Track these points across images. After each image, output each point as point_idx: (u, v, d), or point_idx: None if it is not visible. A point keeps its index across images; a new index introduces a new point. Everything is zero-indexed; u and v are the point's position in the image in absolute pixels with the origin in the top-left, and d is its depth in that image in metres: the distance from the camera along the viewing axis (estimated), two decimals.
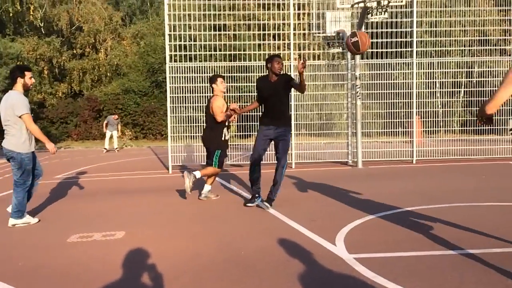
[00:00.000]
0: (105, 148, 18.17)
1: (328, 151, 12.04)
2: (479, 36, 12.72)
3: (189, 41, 11.42)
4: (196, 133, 11.61)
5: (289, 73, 6.38)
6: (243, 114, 11.69)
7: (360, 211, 5.78)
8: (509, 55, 12.39)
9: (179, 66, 11.16)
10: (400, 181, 8.55)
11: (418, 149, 11.76)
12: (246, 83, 11.75)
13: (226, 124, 6.76)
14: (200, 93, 11.37)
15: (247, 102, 11.68)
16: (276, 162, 6.16)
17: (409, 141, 12.02)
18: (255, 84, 6.42)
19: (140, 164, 12.75)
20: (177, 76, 11.14)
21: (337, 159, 12.01)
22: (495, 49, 12.34)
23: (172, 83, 11.08)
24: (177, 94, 11.12)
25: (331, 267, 3.72)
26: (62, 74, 30.04)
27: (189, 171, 6.53)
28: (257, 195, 6.27)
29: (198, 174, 6.55)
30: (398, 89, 11.78)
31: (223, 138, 6.70)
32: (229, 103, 7.42)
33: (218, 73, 6.91)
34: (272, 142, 6.18)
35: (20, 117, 5.41)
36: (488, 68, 12.19)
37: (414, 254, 4.02)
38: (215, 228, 5.20)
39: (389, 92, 11.80)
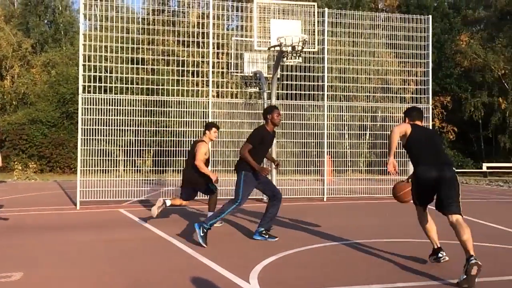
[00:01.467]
0: None
1: None
2: (382, 84, 13.90)
3: (104, 73, 11.13)
4: (109, 167, 11.13)
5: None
6: (160, 149, 11.54)
7: (274, 248, 5.86)
8: (408, 103, 13.61)
9: (93, 98, 10.79)
10: (312, 218, 8.84)
11: (329, 187, 12.31)
12: (163, 117, 11.63)
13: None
14: (114, 126, 11.03)
15: (164, 137, 11.55)
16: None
17: (320, 179, 12.54)
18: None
19: (45, 199, 11.89)
20: (90, 108, 10.73)
21: (252, 196, 12.10)
22: (396, 96, 13.52)
23: (84, 115, 10.64)
24: (90, 126, 10.69)
25: None
26: None
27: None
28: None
29: (209, 216, 6.61)
30: (311, 130, 12.37)
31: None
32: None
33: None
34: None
35: None
36: (390, 113, 13.28)
37: None
38: (123, 267, 4.97)
39: (302, 132, 12.34)
